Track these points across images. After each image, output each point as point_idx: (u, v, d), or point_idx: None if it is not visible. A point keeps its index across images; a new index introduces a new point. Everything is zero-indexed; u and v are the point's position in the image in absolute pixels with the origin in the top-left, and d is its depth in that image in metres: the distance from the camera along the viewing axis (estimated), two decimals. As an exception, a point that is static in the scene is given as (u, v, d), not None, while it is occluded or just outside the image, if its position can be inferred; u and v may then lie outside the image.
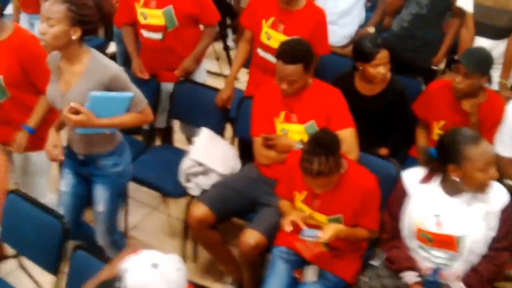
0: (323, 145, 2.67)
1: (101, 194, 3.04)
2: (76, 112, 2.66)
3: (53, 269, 2.82)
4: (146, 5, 3.71)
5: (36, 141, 3.27)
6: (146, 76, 3.88)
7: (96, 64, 2.73)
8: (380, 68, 3.40)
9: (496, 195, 2.62)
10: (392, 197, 2.84)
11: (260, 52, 3.69)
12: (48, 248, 2.82)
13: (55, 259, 2.80)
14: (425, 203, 2.69)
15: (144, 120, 2.94)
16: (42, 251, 2.86)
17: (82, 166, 3.02)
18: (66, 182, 3.11)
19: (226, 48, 6.02)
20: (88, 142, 2.91)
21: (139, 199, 4.23)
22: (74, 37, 2.65)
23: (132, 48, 3.95)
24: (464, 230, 2.61)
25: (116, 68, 2.77)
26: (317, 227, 2.88)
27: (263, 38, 3.62)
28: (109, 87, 2.71)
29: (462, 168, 2.53)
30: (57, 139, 2.98)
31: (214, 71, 5.81)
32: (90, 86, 2.68)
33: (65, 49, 2.71)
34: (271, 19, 3.57)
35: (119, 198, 3.15)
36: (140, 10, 3.73)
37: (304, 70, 3.12)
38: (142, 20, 3.76)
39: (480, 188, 2.56)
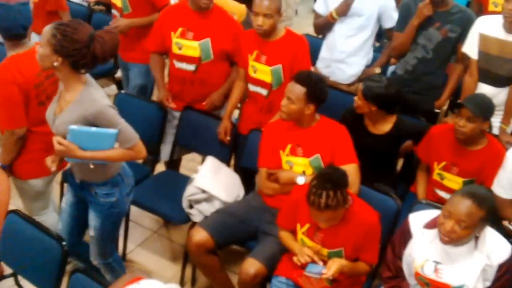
0: (331, 179, 2.64)
1: (92, 220, 2.97)
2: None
3: (52, 290, 2.72)
4: (183, 35, 3.63)
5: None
6: (173, 105, 3.79)
7: (85, 97, 2.66)
8: (355, 97, 3.45)
9: (498, 249, 2.52)
10: (397, 236, 2.75)
11: (251, 87, 3.63)
12: (47, 269, 2.73)
13: (53, 281, 2.71)
14: (427, 248, 2.59)
15: (133, 156, 2.83)
16: (41, 272, 2.78)
17: (80, 189, 2.96)
18: (66, 201, 3.08)
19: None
20: (80, 168, 2.85)
21: (141, 223, 4.12)
22: (55, 64, 2.58)
23: (160, 77, 3.85)
24: (461, 280, 2.52)
25: (102, 104, 2.67)
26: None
27: (250, 72, 3.58)
28: (93, 122, 2.64)
29: None
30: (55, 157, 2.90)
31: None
32: (73, 118, 2.63)
33: (57, 73, 2.66)
34: (255, 53, 3.53)
35: (111, 226, 3.03)
36: (176, 40, 3.65)
37: (306, 97, 3.08)
38: (176, 50, 3.67)
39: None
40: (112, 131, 2.67)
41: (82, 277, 2.54)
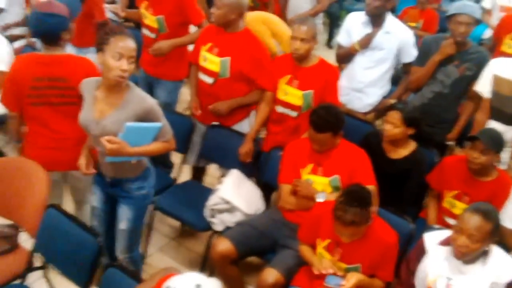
0: (358, 197, 2.72)
1: (124, 213, 3.04)
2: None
3: (85, 284, 2.77)
4: (210, 50, 3.76)
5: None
6: (197, 112, 3.92)
7: (134, 97, 2.78)
8: (387, 125, 3.48)
9: (506, 268, 2.61)
10: (412, 254, 2.84)
11: (279, 108, 3.74)
12: (81, 263, 2.77)
13: (87, 275, 2.76)
14: (440, 264, 2.68)
15: (168, 148, 3.00)
16: (75, 265, 2.82)
17: (109, 187, 3.04)
18: (96, 199, 3.15)
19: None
20: (117, 167, 2.93)
21: (160, 230, 4.17)
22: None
23: (193, 86, 3.99)
24: None
25: (151, 101, 2.82)
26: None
27: (280, 94, 3.69)
28: (143, 118, 2.75)
29: None
30: (88, 157, 3.02)
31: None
32: (126, 117, 2.72)
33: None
34: (287, 77, 3.65)
35: (141, 218, 3.15)
36: (203, 53, 3.79)
37: (333, 136, 3.21)
38: (202, 62, 3.81)
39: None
40: (159, 124, 2.79)
41: (116, 271, 2.58)
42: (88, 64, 3.20)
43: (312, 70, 3.61)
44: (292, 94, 3.65)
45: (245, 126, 3.97)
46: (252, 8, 5.10)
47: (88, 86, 2.87)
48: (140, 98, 2.78)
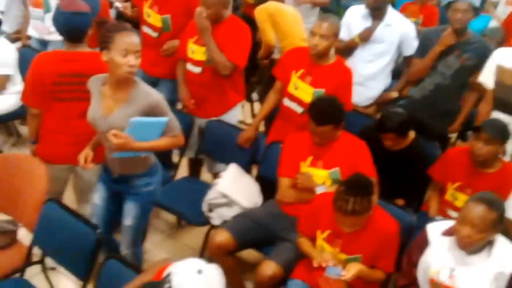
0: (359, 186, 2.71)
1: (130, 210, 3.04)
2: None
3: (84, 276, 2.77)
4: (197, 42, 3.80)
5: None
6: (191, 105, 3.95)
7: (139, 92, 2.78)
8: (386, 141, 3.49)
9: (510, 258, 2.59)
10: (414, 245, 2.82)
11: (286, 101, 3.72)
12: (81, 256, 2.78)
13: (86, 267, 2.76)
14: (443, 254, 2.66)
15: (176, 143, 2.99)
16: (74, 258, 2.82)
17: (116, 183, 3.03)
18: (99, 196, 3.13)
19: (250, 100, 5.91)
20: (124, 163, 2.92)
21: (156, 226, 4.17)
22: None
23: (181, 79, 4.01)
24: (474, 287, 2.57)
25: (157, 96, 2.83)
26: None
27: (291, 88, 3.66)
28: (149, 113, 2.75)
29: None
30: (89, 152, 2.96)
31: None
32: (132, 112, 2.72)
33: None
34: (301, 71, 3.62)
35: (147, 214, 3.16)
36: (191, 45, 3.83)
37: (334, 129, 3.20)
38: (190, 54, 3.85)
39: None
40: (165, 118, 2.79)
41: (116, 263, 2.59)
42: None
43: (328, 69, 3.57)
44: (302, 90, 3.61)
45: (232, 118, 4.00)
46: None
47: (94, 83, 2.89)
48: (146, 93, 2.79)
